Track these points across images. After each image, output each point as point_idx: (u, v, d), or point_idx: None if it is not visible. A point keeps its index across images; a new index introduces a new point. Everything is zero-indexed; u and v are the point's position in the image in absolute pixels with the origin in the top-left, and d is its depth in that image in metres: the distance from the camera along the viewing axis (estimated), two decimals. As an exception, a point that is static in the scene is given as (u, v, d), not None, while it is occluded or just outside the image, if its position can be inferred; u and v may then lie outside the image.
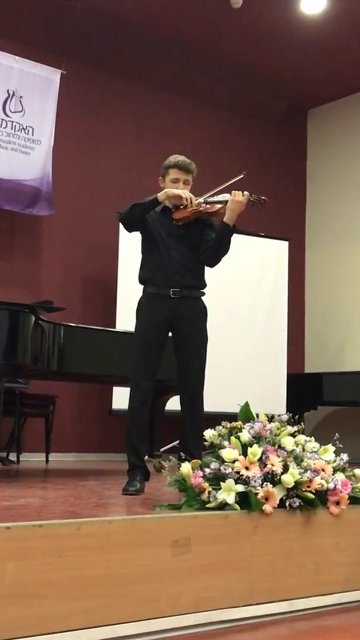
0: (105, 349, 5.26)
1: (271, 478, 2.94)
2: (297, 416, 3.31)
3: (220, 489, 2.87)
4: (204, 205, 3.85)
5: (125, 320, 5.84)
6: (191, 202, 3.78)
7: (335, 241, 9.08)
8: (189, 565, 2.62)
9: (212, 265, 3.95)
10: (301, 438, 3.21)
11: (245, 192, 3.77)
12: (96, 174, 7.85)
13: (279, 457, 3.00)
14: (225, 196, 3.82)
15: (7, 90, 7.02)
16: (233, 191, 3.77)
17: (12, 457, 6.08)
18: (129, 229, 3.94)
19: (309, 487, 3.01)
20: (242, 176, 3.88)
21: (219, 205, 3.82)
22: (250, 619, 2.75)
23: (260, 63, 8.30)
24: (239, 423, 3.17)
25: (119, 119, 8.06)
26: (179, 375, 3.87)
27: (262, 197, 3.84)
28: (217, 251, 3.87)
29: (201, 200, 3.86)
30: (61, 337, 4.88)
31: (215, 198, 3.87)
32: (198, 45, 7.93)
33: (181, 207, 3.83)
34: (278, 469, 2.96)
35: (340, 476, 3.19)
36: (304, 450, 3.16)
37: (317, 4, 7.30)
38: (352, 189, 8.94)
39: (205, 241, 3.87)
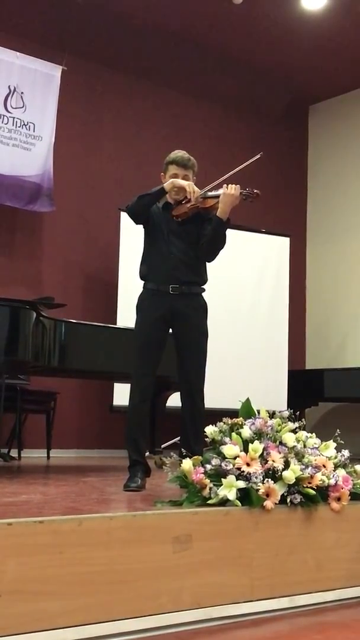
0: (106, 345, 5.27)
1: (272, 474, 2.94)
2: (298, 412, 3.32)
3: (221, 485, 2.87)
4: (201, 200, 3.83)
5: (126, 316, 5.84)
6: (193, 196, 3.76)
7: (337, 237, 9.07)
8: (190, 561, 2.62)
9: (209, 259, 3.94)
10: (302, 434, 3.21)
11: (237, 186, 3.74)
12: (97, 170, 7.84)
13: (280, 453, 3.00)
14: (220, 191, 3.79)
15: (8, 86, 7.02)
16: (225, 184, 3.75)
17: (13, 453, 6.08)
18: (136, 220, 3.90)
19: (310, 483, 3.01)
20: (259, 156, 3.81)
21: (215, 200, 3.79)
22: (251, 615, 2.74)
23: (261, 59, 8.28)
24: (240, 419, 3.17)
25: (120, 114, 8.05)
26: (179, 371, 3.87)
27: (255, 191, 3.81)
28: (212, 245, 3.85)
29: (199, 195, 3.84)
30: (62, 333, 4.89)
31: (212, 193, 3.85)
32: (199, 40, 7.91)
33: (183, 202, 3.83)
34: (279, 465, 2.96)
35: (341, 472, 3.19)
36: (305, 446, 3.16)
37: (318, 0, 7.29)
38: (353, 184, 8.93)
39: (204, 236, 3.86)
